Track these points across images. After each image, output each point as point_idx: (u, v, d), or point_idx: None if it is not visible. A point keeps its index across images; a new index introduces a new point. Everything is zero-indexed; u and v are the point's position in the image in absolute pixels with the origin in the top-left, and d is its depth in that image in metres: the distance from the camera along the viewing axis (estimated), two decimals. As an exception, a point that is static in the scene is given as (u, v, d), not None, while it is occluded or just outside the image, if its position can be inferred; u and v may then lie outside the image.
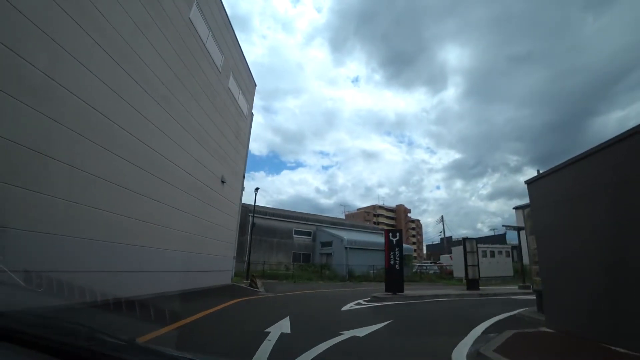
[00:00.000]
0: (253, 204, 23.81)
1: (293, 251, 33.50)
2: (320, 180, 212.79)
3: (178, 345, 4.60)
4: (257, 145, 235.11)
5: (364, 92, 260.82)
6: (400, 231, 14.16)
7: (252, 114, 22.99)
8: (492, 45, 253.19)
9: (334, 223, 37.20)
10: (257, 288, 16.70)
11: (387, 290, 13.53)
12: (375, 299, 12.54)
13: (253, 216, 22.75)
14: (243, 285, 17.90)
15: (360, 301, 12.00)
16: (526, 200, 8.38)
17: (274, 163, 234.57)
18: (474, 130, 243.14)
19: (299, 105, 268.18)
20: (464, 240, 17.09)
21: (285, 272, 28.67)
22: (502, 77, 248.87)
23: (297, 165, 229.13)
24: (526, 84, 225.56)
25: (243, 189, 21.39)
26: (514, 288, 17.92)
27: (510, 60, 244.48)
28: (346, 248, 29.53)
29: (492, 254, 28.90)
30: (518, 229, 19.82)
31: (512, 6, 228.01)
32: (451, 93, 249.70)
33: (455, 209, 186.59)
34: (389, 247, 13.89)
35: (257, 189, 22.58)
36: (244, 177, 20.99)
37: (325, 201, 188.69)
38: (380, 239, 35.51)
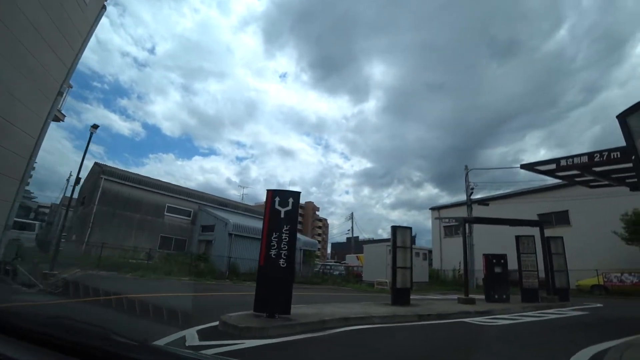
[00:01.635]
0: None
1: (162, 234, 25.07)
2: (232, 171, 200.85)
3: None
4: (169, 125, 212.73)
5: (290, 90, 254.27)
6: (296, 195, 7.54)
7: (104, 8, 14.47)
8: (414, 69, 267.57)
9: (224, 204, 29.29)
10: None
11: (257, 308, 6.78)
12: (229, 330, 5.77)
13: (79, 173, 14.17)
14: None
15: (185, 333, 5.17)
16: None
17: (186, 147, 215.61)
18: (387, 143, 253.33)
19: (221, 90, 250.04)
20: (395, 230, 11.18)
21: (142, 261, 20.42)
22: (419, 99, 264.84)
23: (211, 152, 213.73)
24: (437, 110, 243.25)
25: (61, 117, 12.91)
26: (450, 301, 12.64)
27: (427, 86, 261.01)
28: (230, 235, 22.24)
29: (409, 256, 24.16)
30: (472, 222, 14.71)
31: (437, 39, 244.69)
32: (372, 105, 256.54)
33: (361, 214, 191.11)
34: (272, 223, 7.22)
35: (94, 126, 14.21)
36: (61, 96, 12.50)
37: (235, 193, 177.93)
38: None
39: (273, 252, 7.00)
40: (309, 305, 9.17)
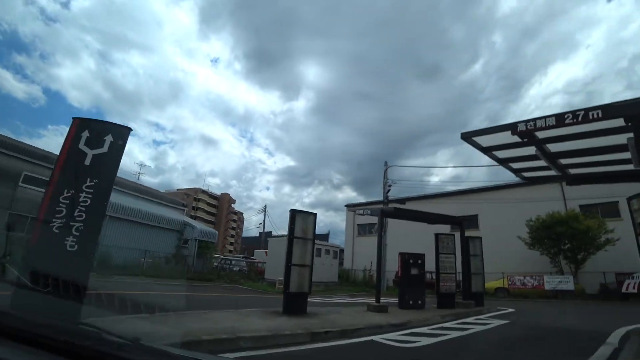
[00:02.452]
0: None
1: (12, 211, 19.48)
2: (147, 155, 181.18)
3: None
4: (77, 95, 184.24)
5: (221, 76, 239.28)
6: (120, 131, 4.42)
7: None
8: (346, 76, 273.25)
9: (106, 181, 24.28)
10: None
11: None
12: None
13: None
14: None
15: None
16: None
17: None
18: (312, 144, 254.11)
19: (144, 65, 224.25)
20: (294, 215, 8.53)
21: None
22: (347, 106, 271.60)
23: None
24: (362, 118, 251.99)
25: None
26: (358, 306, 10.41)
27: (355, 94, 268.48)
28: (105, 216, 17.82)
29: (318, 253, 22.00)
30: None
31: (370, 52, 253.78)
32: (301, 105, 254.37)
33: (280, 212, 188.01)
34: (66, 172, 4.06)
35: None
36: None
37: (148, 179, 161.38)
38: (176, 217, 24.61)
39: (57, 224, 3.83)
40: (158, 315, 6.09)
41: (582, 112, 4.88)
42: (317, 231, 9.63)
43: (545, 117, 5.24)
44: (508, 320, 9.42)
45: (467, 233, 13.03)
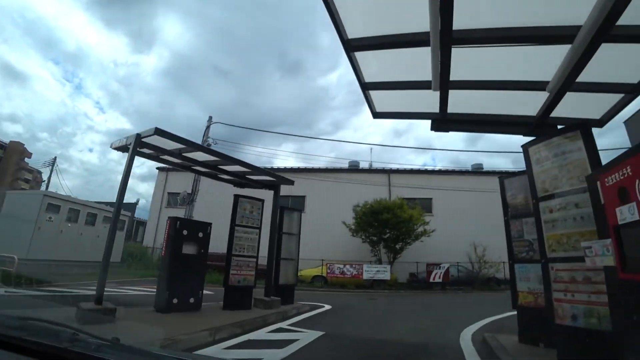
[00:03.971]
0: None
1: None
2: None
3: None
4: None
5: None
6: None
7: None
8: (209, 46, 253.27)
9: None
10: None
11: None
12: None
13: None
14: None
15: None
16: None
17: None
18: (155, 109, 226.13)
19: None
20: None
21: None
22: (202, 77, 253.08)
23: None
24: (216, 95, 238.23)
25: None
26: (66, 310, 5.61)
27: (214, 68, 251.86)
28: None
29: (91, 220, 15.82)
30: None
31: (241, 30, 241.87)
32: (151, 62, 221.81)
33: (103, 180, 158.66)
34: None
35: None
36: None
37: None
38: None
39: None
40: None
41: None
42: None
43: None
44: (323, 332, 6.11)
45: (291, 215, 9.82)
